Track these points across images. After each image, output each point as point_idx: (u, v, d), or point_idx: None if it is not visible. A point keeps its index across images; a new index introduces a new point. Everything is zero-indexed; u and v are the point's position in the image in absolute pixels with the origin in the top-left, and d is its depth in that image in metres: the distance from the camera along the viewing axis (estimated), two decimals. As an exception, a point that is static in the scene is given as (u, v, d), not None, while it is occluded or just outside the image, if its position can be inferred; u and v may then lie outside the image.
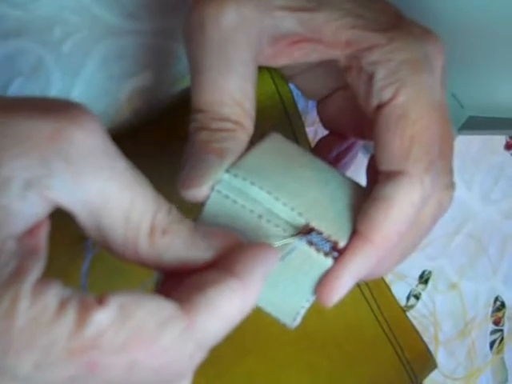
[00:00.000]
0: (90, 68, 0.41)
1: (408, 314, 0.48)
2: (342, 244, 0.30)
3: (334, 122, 0.37)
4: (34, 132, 0.22)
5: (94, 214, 0.23)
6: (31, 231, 0.23)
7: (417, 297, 0.50)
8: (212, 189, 0.29)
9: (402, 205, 0.29)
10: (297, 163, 0.31)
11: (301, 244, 0.29)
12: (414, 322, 0.47)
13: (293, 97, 0.43)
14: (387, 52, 0.30)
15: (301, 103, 0.45)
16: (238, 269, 0.24)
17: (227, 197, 0.29)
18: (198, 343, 0.23)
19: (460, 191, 0.51)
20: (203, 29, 0.30)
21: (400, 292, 0.49)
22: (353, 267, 0.29)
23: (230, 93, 0.30)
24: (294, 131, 0.43)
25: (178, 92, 0.42)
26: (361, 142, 0.38)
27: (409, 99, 0.29)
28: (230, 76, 0.30)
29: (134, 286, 0.37)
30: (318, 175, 0.31)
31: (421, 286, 0.50)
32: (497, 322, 0.52)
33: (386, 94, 0.30)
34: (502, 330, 0.52)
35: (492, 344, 0.52)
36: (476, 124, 0.43)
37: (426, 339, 0.47)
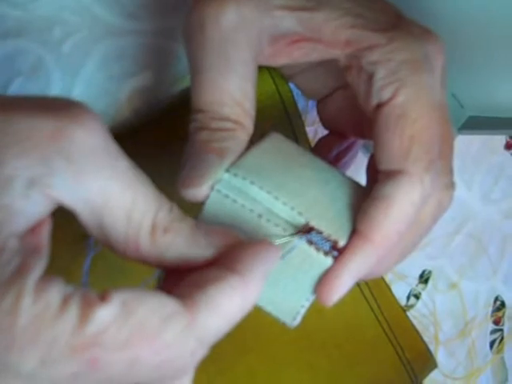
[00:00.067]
0: (90, 68, 0.41)
1: (408, 313, 0.48)
2: (341, 243, 0.30)
3: (334, 122, 0.37)
4: (34, 131, 0.22)
5: (95, 213, 0.23)
6: (33, 229, 0.23)
7: (417, 296, 0.50)
8: (212, 188, 0.29)
9: (401, 204, 0.29)
10: (297, 163, 0.31)
11: (301, 243, 0.29)
12: (414, 322, 0.47)
13: (293, 96, 0.43)
14: (387, 52, 0.30)
15: (301, 103, 0.45)
16: (238, 266, 0.24)
17: (227, 196, 0.29)
18: (199, 340, 0.23)
19: (460, 191, 0.51)
20: (203, 29, 0.30)
21: (400, 292, 0.49)
22: (352, 266, 0.29)
23: (230, 93, 0.30)
24: (293, 131, 0.43)
25: (177, 92, 0.42)
26: (361, 142, 0.38)
27: (408, 99, 0.29)
28: (230, 76, 0.30)
29: (135, 283, 0.37)
30: (317, 175, 0.31)
31: (421, 286, 0.50)
32: (497, 322, 0.52)
33: (386, 94, 0.30)
34: (502, 330, 0.52)
35: (492, 344, 0.52)
36: (476, 124, 0.43)
37: (426, 339, 0.47)
